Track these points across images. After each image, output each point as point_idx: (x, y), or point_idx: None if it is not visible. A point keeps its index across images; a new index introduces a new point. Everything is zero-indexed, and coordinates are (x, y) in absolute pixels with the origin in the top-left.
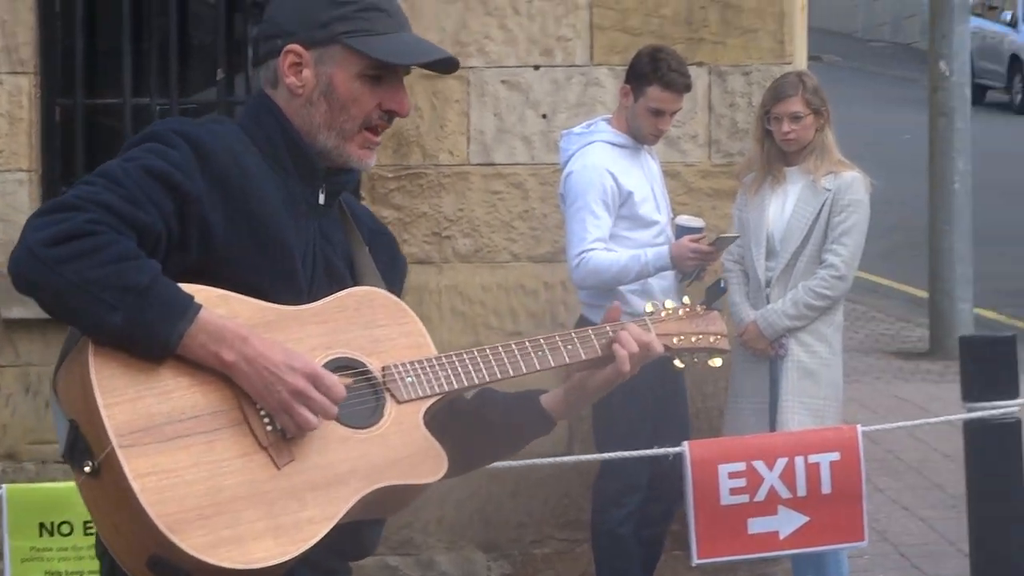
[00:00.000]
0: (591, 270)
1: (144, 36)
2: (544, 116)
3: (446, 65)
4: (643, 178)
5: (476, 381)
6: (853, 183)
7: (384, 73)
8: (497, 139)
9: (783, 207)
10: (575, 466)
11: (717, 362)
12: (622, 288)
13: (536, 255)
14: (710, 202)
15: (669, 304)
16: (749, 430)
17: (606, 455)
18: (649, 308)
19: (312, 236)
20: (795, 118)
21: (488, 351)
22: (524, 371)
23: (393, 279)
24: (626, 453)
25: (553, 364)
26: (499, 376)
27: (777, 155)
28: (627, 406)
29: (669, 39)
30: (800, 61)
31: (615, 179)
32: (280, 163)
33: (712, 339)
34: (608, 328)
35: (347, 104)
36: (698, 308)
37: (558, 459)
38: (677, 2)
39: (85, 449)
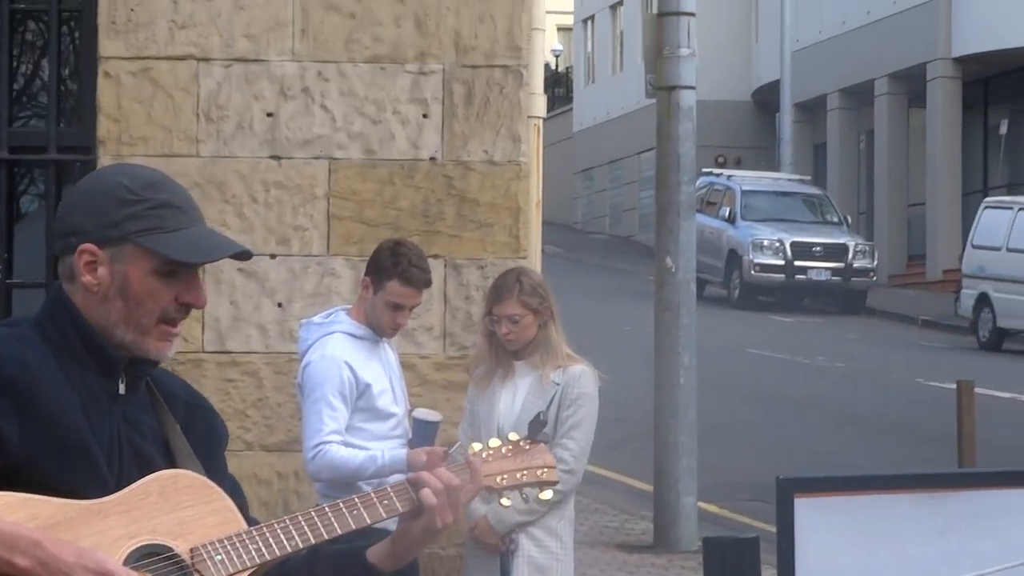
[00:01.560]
0: (327, 463)
1: None
2: (280, 305)
3: (241, 256)
4: (381, 370)
5: (289, 549)
6: (581, 377)
7: (179, 267)
8: (232, 327)
9: (513, 401)
10: None
11: (547, 495)
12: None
13: (270, 444)
14: (444, 394)
15: (493, 443)
16: None
17: None
18: (475, 448)
19: (115, 426)
20: (512, 320)
21: (300, 517)
22: (339, 532)
23: (213, 451)
24: None
25: (369, 521)
26: (312, 540)
27: (505, 350)
28: None
29: (406, 231)
30: (534, 256)
31: (353, 371)
32: (76, 358)
33: (540, 472)
34: (425, 478)
35: (143, 300)
36: (522, 443)
37: None
38: (414, 194)
39: None
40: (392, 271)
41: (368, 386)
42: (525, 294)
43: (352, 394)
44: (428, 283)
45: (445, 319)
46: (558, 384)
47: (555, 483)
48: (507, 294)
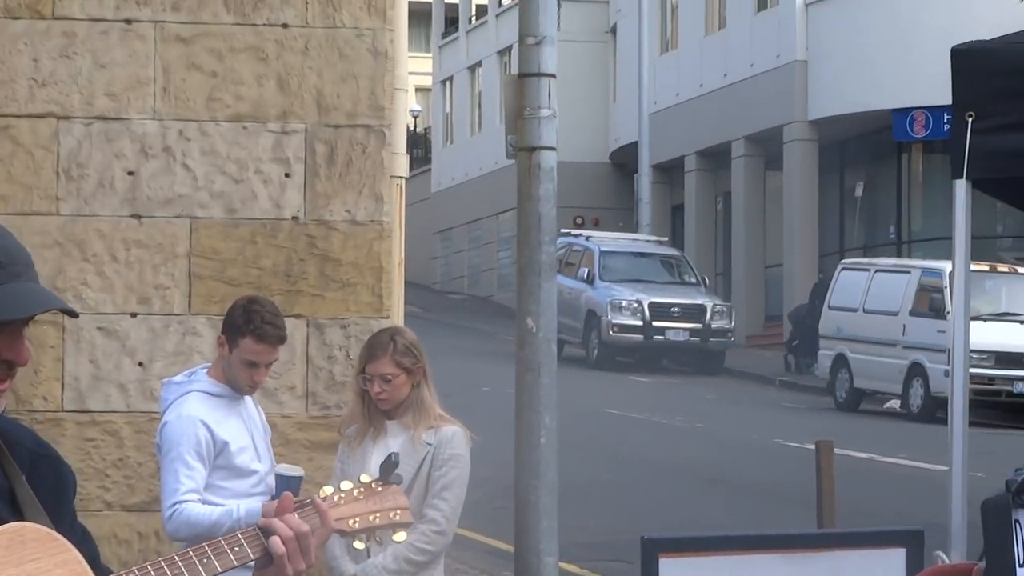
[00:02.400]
0: (183, 522)
1: None
2: (141, 364)
3: (68, 311)
4: (242, 428)
5: None
6: (454, 438)
7: None
8: (92, 386)
9: None
10: None
11: (400, 536)
12: None
13: (130, 504)
14: (307, 454)
15: (345, 485)
16: None
17: None
18: (325, 492)
19: None
20: (385, 379)
21: (150, 567)
22: None
23: (61, 501)
24: None
25: (220, 569)
26: None
27: (377, 409)
28: None
29: (268, 291)
30: (397, 315)
31: (210, 430)
32: None
33: (392, 514)
34: (275, 525)
35: None
36: (374, 485)
37: None
38: (276, 254)
39: None
40: (245, 328)
41: (226, 444)
42: (399, 353)
43: (210, 453)
44: (282, 339)
45: (307, 379)
46: (430, 444)
47: (408, 524)
48: (381, 353)
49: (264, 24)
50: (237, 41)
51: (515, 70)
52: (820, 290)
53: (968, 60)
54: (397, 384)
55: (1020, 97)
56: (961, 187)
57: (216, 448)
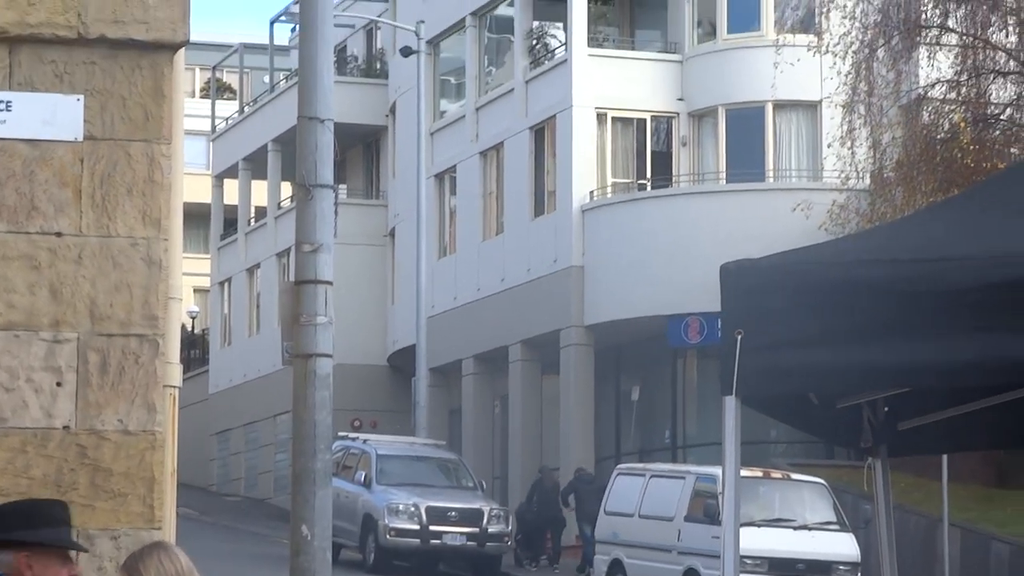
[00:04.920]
0: None
1: None
2: None
3: None
4: None
5: None
6: None
7: None
8: None
9: None
10: None
11: None
12: None
13: None
14: None
15: None
16: None
17: None
18: None
19: None
20: None
21: None
22: None
23: None
24: None
25: None
26: None
27: None
28: None
29: None
30: (169, 525)
31: None
32: None
33: None
34: None
35: None
36: None
37: None
38: (46, 463)
39: None
40: None
41: None
42: (126, 568)
43: None
44: None
45: None
46: None
47: None
48: (126, 563)
49: (37, 232)
50: (9, 249)
51: (292, 277)
52: (537, 488)
53: (736, 278)
54: None
55: (786, 315)
56: (731, 403)
57: None
